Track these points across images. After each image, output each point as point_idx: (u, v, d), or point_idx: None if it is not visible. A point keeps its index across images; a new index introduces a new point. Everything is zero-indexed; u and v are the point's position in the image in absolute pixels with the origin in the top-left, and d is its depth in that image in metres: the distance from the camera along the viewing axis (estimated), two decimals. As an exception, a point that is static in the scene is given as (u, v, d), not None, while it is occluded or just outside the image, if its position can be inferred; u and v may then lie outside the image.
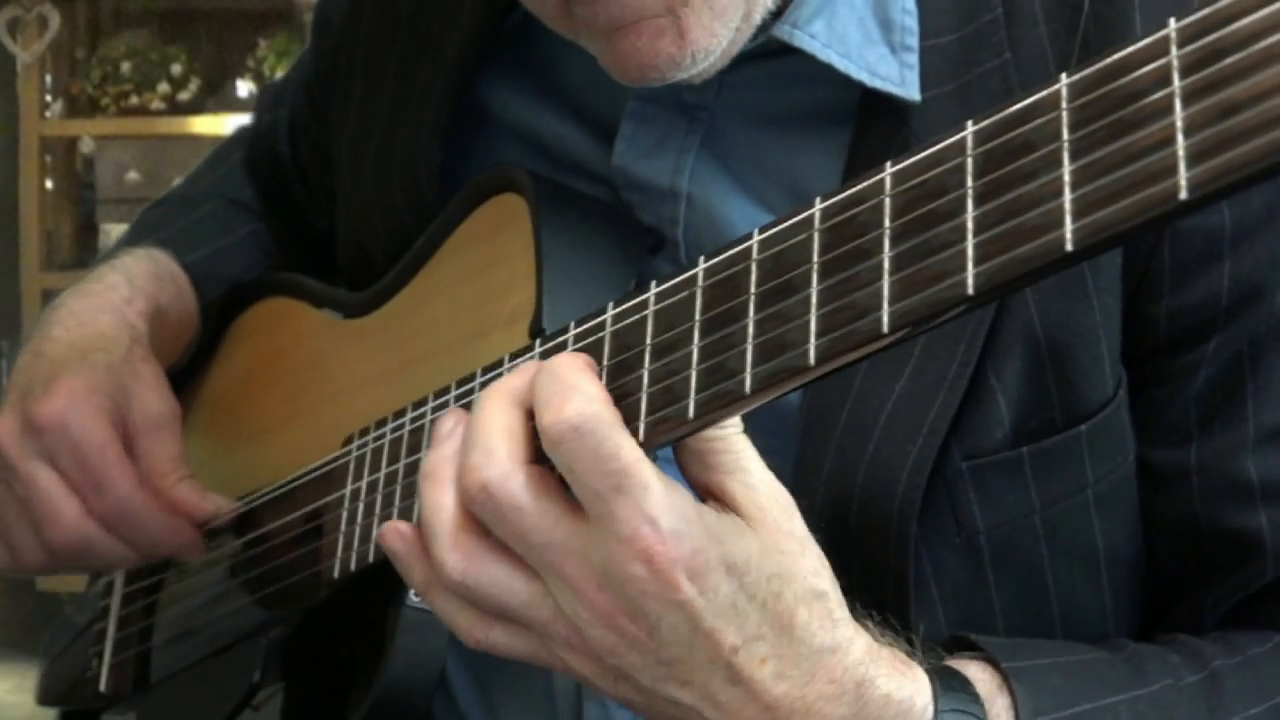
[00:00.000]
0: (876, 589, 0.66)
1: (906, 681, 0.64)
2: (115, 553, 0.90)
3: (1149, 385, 0.76)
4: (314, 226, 1.10)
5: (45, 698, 1.09)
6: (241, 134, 1.18)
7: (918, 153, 0.53)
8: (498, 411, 0.62)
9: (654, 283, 0.62)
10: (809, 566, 0.61)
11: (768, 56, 0.77)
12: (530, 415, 0.61)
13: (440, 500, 0.63)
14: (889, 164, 0.53)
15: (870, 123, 0.76)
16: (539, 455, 0.61)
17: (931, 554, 0.75)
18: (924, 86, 0.74)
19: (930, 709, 0.64)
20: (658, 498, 0.58)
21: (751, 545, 0.60)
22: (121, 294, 0.97)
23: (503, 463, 0.61)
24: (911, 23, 0.75)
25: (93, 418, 0.88)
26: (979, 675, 0.68)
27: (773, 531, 0.61)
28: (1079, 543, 0.77)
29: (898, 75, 0.74)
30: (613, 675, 0.62)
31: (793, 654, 0.61)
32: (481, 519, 0.62)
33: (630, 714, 0.80)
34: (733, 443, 0.61)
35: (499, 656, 0.64)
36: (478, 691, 0.88)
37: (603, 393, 0.60)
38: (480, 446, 0.61)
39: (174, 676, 0.95)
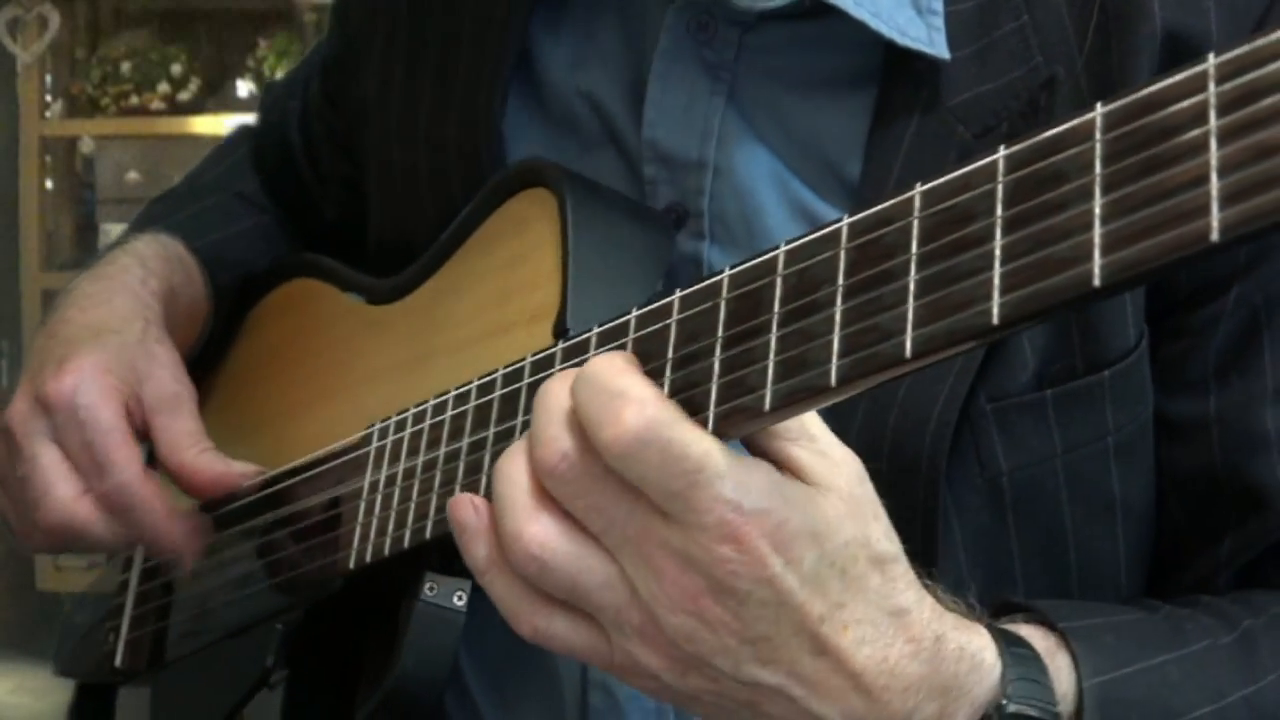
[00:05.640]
0: (904, 532, 0.65)
1: (974, 636, 0.64)
2: (110, 536, 0.88)
3: (1169, 339, 0.77)
4: (322, 216, 1.10)
5: (63, 669, 1.08)
6: (245, 130, 1.18)
7: (948, 175, 0.52)
8: (565, 394, 0.60)
9: (678, 290, 0.62)
10: (880, 530, 0.61)
11: (792, 19, 0.79)
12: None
13: (514, 473, 0.61)
14: (918, 184, 0.53)
15: (894, 85, 0.77)
16: None
17: (955, 495, 0.76)
18: (949, 48, 0.76)
19: (998, 665, 0.64)
20: (733, 480, 0.57)
21: (826, 511, 0.59)
22: (135, 275, 0.97)
23: (581, 435, 0.59)
24: None
25: (103, 398, 0.87)
26: (1032, 634, 0.68)
27: (844, 497, 0.60)
28: (1098, 491, 0.78)
29: (926, 36, 0.76)
30: (684, 665, 0.60)
31: (871, 618, 0.60)
32: (557, 494, 0.60)
33: (635, 701, 0.82)
34: None
35: (552, 649, 0.63)
36: (489, 683, 0.89)
37: (653, 390, 0.58)
38: (554, 420, 0.60)
39: (189, 656, 0.95)
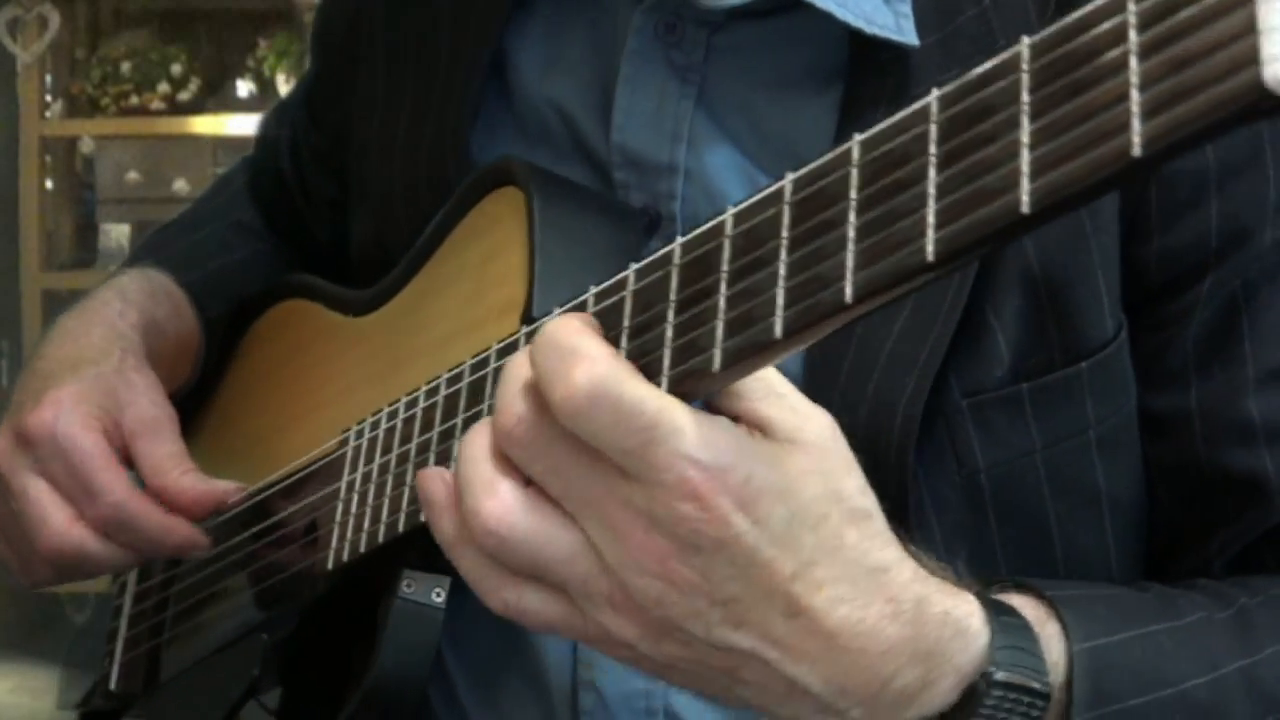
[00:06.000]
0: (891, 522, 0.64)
1: (960, 601, 0.62)
2: (113, 557, 0.90)
3: (1147, 331, 0.76)
4: (316, 240, 1.10)
5: (64, 701, 1.10)
6: (245, 161, 1.20)
7: (885, 121, 0.52)
8: (526, 365, 0.60)
9: (633, 263, 0.61)
10: (855, 485, 0.59)
11: (760, 16, 0.79)
12: None
13: (475, 449, 0.60)
14: (857, 135, 0.53)
15: (861, 78, 0.77)
16: None
17: (933, 492, 0.75)
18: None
19: (985, 631, 0.62)
20: (694, 436, 0.55)
21: (794, 467, 0.57)
22: (115, 309, 0.98)
23: (537, 398, 0.58)
24: None
25: (80, 426, 0.89)
26: (1023, 603, 0.67)
27: (815, 452, 0.58)
28: (1082, 486, 0.77)
29: (894, 24, 0.75)
30: (658, 631, 0.58)
31: (848, 576, 0.58)
32: (517, 459, 0.59)
33: (624, 700, 0.81)
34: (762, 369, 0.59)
35: (526, 624, 0.61)
36: (477, 684, 0.88)
37: (607, 348, 0.57)
38: (513, 388, 0.59)
39: (180, 673, 0.96)
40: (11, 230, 3.37)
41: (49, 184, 3.43)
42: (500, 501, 0.59)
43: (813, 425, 0.59)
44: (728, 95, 0.81)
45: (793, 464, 0.58)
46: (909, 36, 0.75)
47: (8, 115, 3.33)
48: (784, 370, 0.76)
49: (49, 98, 3.40)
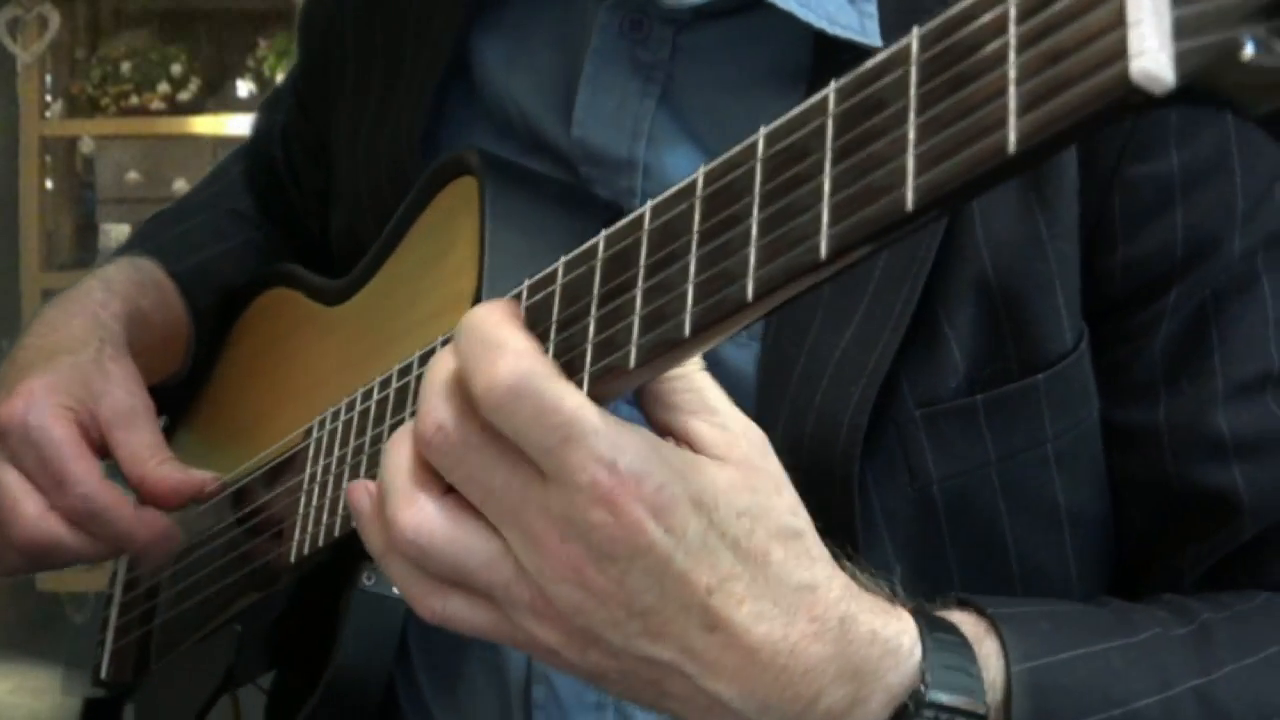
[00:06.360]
0: (826, 539, 0.63)
1: (891, 620, 0.61)
2: (84, 548, 0.90)
3: (1112, 343, 0.75)
4: (308, 230, 1.10)
5: (67, 689, 1.11)
6: (241, 149, 1.20)
7: (788, 114, 0.51)
8: (449, 361, 0.59)
9: (562, 257, 0.60)
10: (784, 504, 0.58)
11: (725, 15, 0.78)
12: None
13: (397, 458, 0.60)
14: (762, 128, 0.52)
15: (824, 79, 0.74)
16: None
17: (884, 505, 0.73)
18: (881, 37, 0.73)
19: (918, 649, 0.61)
20: (610, 439, 0.54)
21: (719, 480, 0.56)
22: (97, 298, 0.98)
23: (458, 401, 0.58)
24: None
25: (52, 416, 0.89)
26: (963, 620, 0.65)
27: (744, 468, 0.57)
28: (1040, 500, 0.75)
29: (858, 24, 0.74)
30: (581, 640, 0.58)
31: (770, 593, 0.57)
32: (437, 465, 0.58)
33: (575, 695, 0.81)
34: (695, 380, 0.58)
35: (457, 631, 0.61)
36: (437, 676, 0.88)
37: (531, 343, 0.56)
38: (434, 391, 0.58)
39: (164, 662, 0.97)
40: (11, 230, 3.37)
41: (49, 184, 3.43)
42: (418, 510, 0.58)
43: (743, 443, 0.58)
44: (692, 94, 0.80)
45: (715, 478, 0.57)
46: (873, 38, 0.73)
47: (8, 115, 3.33)
48: (738, 375, 0.75)
49: (49, 98, 3.40)
